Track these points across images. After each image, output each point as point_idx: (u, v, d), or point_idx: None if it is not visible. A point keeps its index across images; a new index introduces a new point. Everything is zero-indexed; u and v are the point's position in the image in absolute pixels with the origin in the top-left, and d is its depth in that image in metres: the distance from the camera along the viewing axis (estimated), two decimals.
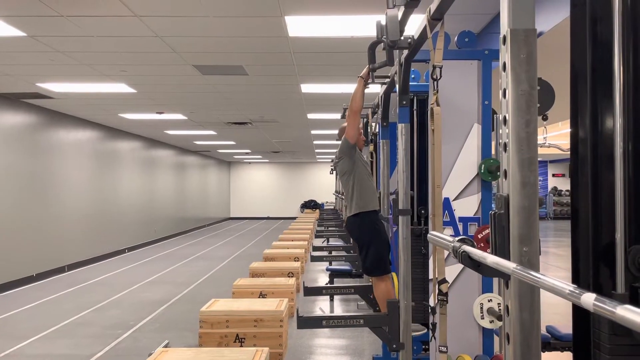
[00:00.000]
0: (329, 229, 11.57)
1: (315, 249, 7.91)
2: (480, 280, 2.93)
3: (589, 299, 0.75)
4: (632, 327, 0.67)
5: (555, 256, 11.25)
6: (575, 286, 0.80)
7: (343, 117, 5.56)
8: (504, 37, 1.19)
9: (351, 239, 7.35)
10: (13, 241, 7.91)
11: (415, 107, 4.14)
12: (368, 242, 3.67)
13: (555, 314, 5.53)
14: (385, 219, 3.80)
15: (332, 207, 20.24)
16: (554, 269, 9.28)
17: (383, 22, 2.40)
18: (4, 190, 7.75)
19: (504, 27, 1.19)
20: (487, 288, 2.93)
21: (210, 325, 4.53)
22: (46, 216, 8.86)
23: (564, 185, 23.12)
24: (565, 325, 3.21)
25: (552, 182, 23.59)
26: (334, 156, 3.84)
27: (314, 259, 7.17)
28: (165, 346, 4.45)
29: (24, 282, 8.05)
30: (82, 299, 7.10)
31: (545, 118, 2.58)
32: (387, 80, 3.61)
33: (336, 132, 4.48)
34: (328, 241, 10.13)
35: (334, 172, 16.30)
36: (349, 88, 6.71)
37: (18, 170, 8.10)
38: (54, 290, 7.65)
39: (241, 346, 4.45)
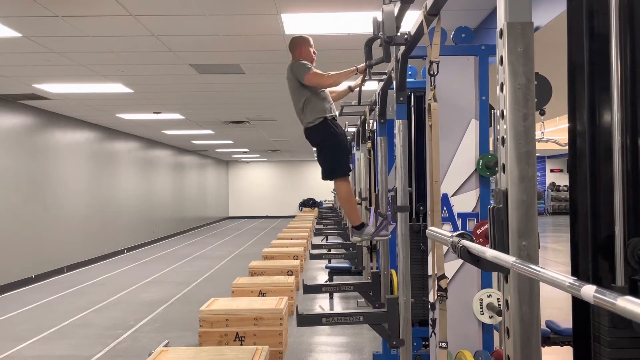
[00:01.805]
0: (328, 227, 11.57)
1: (314, 247, 7.91)
2: (479, 276, 2.93)
3: (589, 290, 0.75)
4: (633, 318, 0.67)
5: (554, 251, 11.27)
6: (575, 278, 0.80)
7: (340, 114, 5.54)
8: (501, 31, 1.19)
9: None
10: (11, 243, 7.90)
11: (412, 104, 4.13)
12: (326, 146, 3.67)
13: (555, 309, 5.54)
14: (384, 215, 3.80)
15: (331, 206, 20.25)
16: (553, 264, 9.30)
17: (379, 19, 2.40)
18: (2, 192, 7.73)
19: (501, 20, 1.19)
20: (486, 283, 2.93)
21: (210, 325, 4.52)
22: (44, 217, 8.84)
23: (562, 180, 23.16)
24: (564, 319, 3.21)
25: (550, 178, 23.62)
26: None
27: (313, 257, 7.18)
28: (165, 346, 4.44)
29: (23, 284, 8.04)
30: (81, 299, 7.09)
31: (542, 113, 2.58)
32: (384, 77, 3.61)
33: None
34: (327, 239, 10.13)
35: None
36: (347, 85, 6.69)
37: (15, 171, 8.08)
38: (53, 292, 7.63)
39: (241, 345, 4.45)
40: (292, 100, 3.87)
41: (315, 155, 4.06)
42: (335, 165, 3.66)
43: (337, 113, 3.82)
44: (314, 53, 3.85)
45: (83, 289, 7.92)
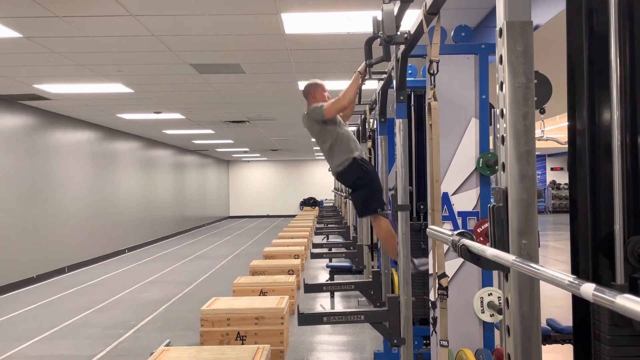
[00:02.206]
0: (329, 226, 11.57)
1: (315, 246, 7.92)
2: (480, 275, 2.93)
3: (588, 289, 0.75)
4: (632, 316, 0.67)
5: (554, 250, 11.27)
6: (575, 277, 0.81)
7: None
8: (500, 30, 1.19)
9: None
10: (13, 243, 7.90)
11: (412, 103, 4.13)
12: (360, 185, 3.72)
13: (556, 307, 5.54)
14: (385, 214, 3.80)
15: (332, 204, 20.25)
16: (554, 262, 9.30)
17: (379, 18, 2.40)
18: (3, 192, 7.74)
19: (500, 19, 1.19)
20: (487, 282, 2.93)
21: (212, 324, 4.53)
22: (45, 218, 8.85)
23: (563, 179, 23.15)
24: (565, 318, 3.21)
25: (550, 176, 23.62)
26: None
27: (314, 256, 7.19)
28: (167, 345, 4.45)
29: (24, 284, 8.05)
30: (82, 299, 7.10)
31: (542, 111, 2.59)
32: (384, 76, 3.61)
33: None
34: (328, 238, 10.14)
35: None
36: (346, 85, 6.70)
37: (17, 172, 8.09)
38: (55, 292, 7.64)
39: (242, 344, 4.45)
40: (319, 146, 3.92)
41: (349, 195, 4.08)
42: (370, 202, 3.69)
43: (363, 151, 3.86)
44: (328, 97, 3.86)
45: (84, 288, 7.93)
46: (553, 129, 10.75)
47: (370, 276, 4.58)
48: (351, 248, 7.22)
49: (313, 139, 3.89)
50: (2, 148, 7.74)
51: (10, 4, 3.93)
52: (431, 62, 2.26)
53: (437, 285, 2.37)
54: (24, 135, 8.33)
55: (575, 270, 1.48)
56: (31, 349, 4.96)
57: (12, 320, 6.12)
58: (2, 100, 7.70)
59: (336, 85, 6.94)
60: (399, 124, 2.93)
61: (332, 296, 6.66)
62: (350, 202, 8.26)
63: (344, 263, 7.15)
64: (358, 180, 3.74)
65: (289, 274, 6.95)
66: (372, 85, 4.36)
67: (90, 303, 6.80)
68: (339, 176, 3.87)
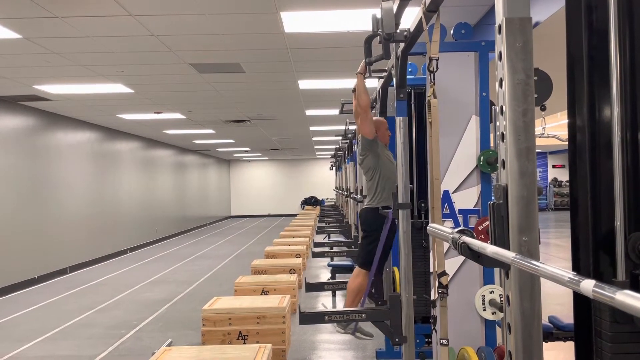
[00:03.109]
0: (330, 225, 11.57)
1: (317, 245, 7.92)
2: (481, 272, 2.93)
3: (588, 285, 0.75)
4: (632, 312, 0.67)
5: (556, 247, 11.26)
6: (575, 273, 0.80)
7: (342, 112, 5.55)
8: (499, 27, 1.19)
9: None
10: (14, 244, 7.91)
11: (413, 101, 4.13)
12: (376, 236, 3.67)
13: (558, 305, 5.54)
14: (386, 213, 3.80)
15: (333, 203, 20.25)
16: (555, 260, 9.29)
17: (379, 16, 2.40)
18: (4, 193, 7.75)
19: (499, 16, 1.18)
20: (488, 280, 2.93)
21: (213, 323, 4.53)
22: (47, 218, 8.86)
23: (564, 176, 23.11)
24: (567, 315, 3.21)
25: (552, 173, 23.59)
26: (334, 152, 3.87)
27: (316, 255, 7.18)
28: (169, 345, 4.45)
29: (26, 285, 8.06)
30: (84, 300, 7.10)
31: (543, 108, 2.58)
32: (384, 74, 3.60)
33: (335, 127, 4.48)
34: (329, 237, 10.14)
35: (334, 168, 16.31)
36: (347, 83, 6.71)
37: (18, 173, 8.09)
38: (56, 292, 7.65)
39: (244, 343, 4.46)
40: (367, 182, 3.88)
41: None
42: (368, 257, 3.67)
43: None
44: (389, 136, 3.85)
45: (86, 289, 7.94)
46: (554, 126, 10.74)
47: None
48: (352, 247, 7.22)
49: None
50: (3, 149, 7.75)
51: (9, 5, 3.93)
52: (431, 59, 2.25)
53: (437, 284, 2.37)
54: (25, 136, 8.34)
55: (576, 267, 1.48)
56: (33, 350, 4.97)
57: (14, 321, 6.13)
58: (2, 101, 7.70)
59: (336, 84, 6.95)
60: (400, 122, 2.93)
61: (334, 295, 6.66)
62: (351, 201, 8.26)
63: (346, 262, 7.15)
64: (378, 231, 3.63)
65: (291, 273, 6.95)
66: (372, 83, 4.36)
67: (92, 303, 6.81)
68: (365, 212, 3.78)
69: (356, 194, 5.45)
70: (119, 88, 6.96)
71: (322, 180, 23.62)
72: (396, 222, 3.61)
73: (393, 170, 3.75)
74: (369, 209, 3.74)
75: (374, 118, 3.81)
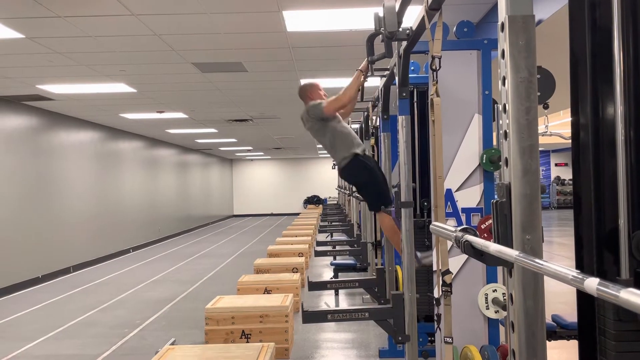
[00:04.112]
0: (333, 224, 11.57)
1: (319, 244, 7.91)
2: (484, 271, 2.93)
3: (592, 283, 0.75)
4: (636, 310, 0.66)
5: (559, 245, 11.24)
6: (579, 271, 0.80)
7: None
8: (502, 24, 1.18)
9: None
10: (18, 243, 7.94)
11: (415, 99, 4.12)
12: (364, 182, 3.78)
13: (561, 303, 5.53)
14: (388, 212, 3.80)
15: (335, 202, 20.25)
16: (558, 258, 9.27)
17: (381, 14, 2.39)
18: (8, 193, 7.77)
19: (502, 14, 1.18)
20: (491, 278, 2.93)
21: (216, 322, 4.54)
22: (50, 218, 8.88)
23: (567, 174, 23.07)
24: (571, 314, 3.20)
25: (555, 172, 23.54)
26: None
27: (318, 254, 7.18)
28: (172, 344, 4.46)
29: (29, 284, 8.08)
30: (88, 299, 7.12)
31: (546, 107, 2.58)
32: (387, 72, 3.60)
33: None
34: (332, 236, 10.14)
35: (336, 167, 16.31)
36: (349, 82, 6.69)
37: (21, 172, 8.11)
38: (60, 291, 7.67)
39: (247, 342, 4.46)
40: (320, 143, 3.97)
41: (355, 191, 4.15)
42: (379, 197, 3.74)
43: (365, 147, 3.88)
44: (325, 95, 3.91)
45: (89, 288, 7.96)
46: (557, 125, 10.70)
47: (375, 273, 4.58)
48: (355, 246, 7.22)
49: (321, 145, 3.95)
50: (6, 149, 7.77)
51: (12, 5, 3.94)
52: (433, 58, 2.25)
53: (440, 282, 2.36)
54: (28, 135, 8.36)
55: (579, 266, 1.48)
56: (37, 349, 4.98)
57: (18, 320, 6.15)
58: (5, 101, 7.72)
59: (339, 82, 6.94)
60: (402, 121, 2.93)
61: (337, 294, 6.66)
62: (354, 200, 8.26)
63: (348, 261, 7.15)
64: (361, 177, 3.75)
65: (293, 272, 6.95)
66: (375, 82, 4.36)
67: (96, 302, 6.82)
68: (342, 172, 3.89)
69: (329, 153, 5.45)
70: (121, 87, 6.97)
71: (325, 179, 23.63)
72: (360, 159, 3.70)
73: (342, 127, 3.83)
74: (343, 167, 3.80)
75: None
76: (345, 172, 3.82)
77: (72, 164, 9.69)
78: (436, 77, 2.28)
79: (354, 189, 4.19)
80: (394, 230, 3.67)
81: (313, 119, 3.81)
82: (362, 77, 3.54)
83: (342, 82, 6.87)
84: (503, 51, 1.19)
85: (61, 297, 7.34)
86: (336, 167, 4.01)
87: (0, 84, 6.64)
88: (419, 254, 3.38)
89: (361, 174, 3.74)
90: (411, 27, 2.45)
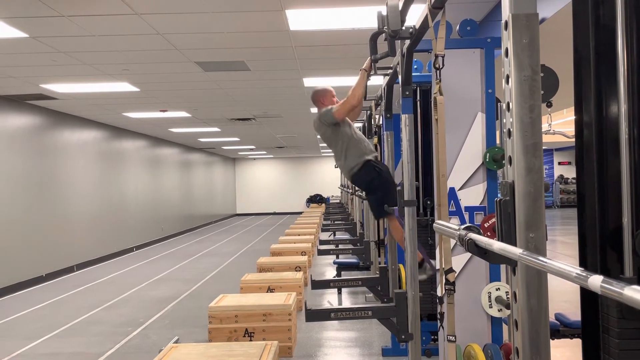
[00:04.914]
0: (336, 222, 11.57)
1: (322, 242, 7.92)
2: (487, 269, 2.93)
3: (596, 281, 0.75)
4: None
5: (562, 244, 11.22)
6: (583, 269, 0.80)
7: None
8: (506, 23, 1.18)
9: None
10: (22, 242, 7.97)
11: (418, 98, 4.13)
12: (375, 186, 3.77)
13: (565, 302, 5.52)
14: (391, 211, 3.80)
15: (338, 201, 20.25)
16: (561, 257, 9.26)
17: (384, 13, 2.39)
18: (12, 191, 7.80)
19: (506, 12, 1.18)
20: (494, 277, 2.93)
21: (220, 321, 4.55)
22: (54, 217, 8.91)
23: (570, 173, 23.02)
24: (574, 312, 3.20)
25: (558, 170, 23.49)
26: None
27: (321, 252, 7.18)
28: (176, 342, 4.47)
29: (33, 283, 8.11)
30: (91, 297, 7.14)
31: (549, 105, 2.57)
32: (390, 71, 3.60)
33: None
34: (335, 235, 10.14)
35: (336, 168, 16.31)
36: (352, 81, 6.67)
37: (25, 171, 8.14)
38: (64, 290, 7.70)
39: (250, 340, 4.47)
40: (332, 151, 3.97)
41: (364, 195, 4.12)
42: (389, 200, 3.71)
43: (377, 152, 3.88)
44: (337, 102, 3.93)
45: (93, 287, 7.99)
46: (560, 123, 10.68)
47: (378, 272, 4.58)
48: (358, 244, 7.22)
49: (324, 144, 3.95)
50: (10, 148, 7.80)
51: (16, 4, 3.95)
52: (437, 56, 2.25)
53: (444, 281, 2.37)
54: (32, 135, 8.38)
55: (583, 264, 1.48)
56: (41, 347, 5.00)
57: (23, 318, 6.18)
58: (9, 100, 7.74)
59: (342, 81, 6.94)
60: (405, 120, 2.93)
61: (340, 292, 6.66)
62: (357, 198, 8.26)
63: (351, 259, 7.15)
64: (372, 182, 3.75)
65: (296, 271, 6.96)
66: (378, 80, 4.35)
67: (99, 301, 6.84)
68: (354, 179, 3.88)
69: (361, 192, 5.45)
70: (124, 87, 6.99)
71: (327, 178, 23.63)
72: (372, 164, 3.71)
73: (353, 133, 3.83)
74: (354, 173, 3.82)
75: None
76: (357, 177, 3.81)
77: (75, 163, 9.72)
78: (439, 75, 2.28)
79: (357, 187, 4.19)
80: (400, 233, 3.68)
81: (325, 125, 3.80)
82: (366, 76, 3.54)
83: (345, 81, 6.89)
84: (507, 49, 1.19)
85: (65, 295, 7.37)
86: (339, 170, 4.00)
87: (4, 83, 6.66)
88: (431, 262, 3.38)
89: (373, 178, 3.75)
90: (414, 26, 2.45)
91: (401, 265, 4.21)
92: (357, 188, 6.24)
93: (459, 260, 2.88)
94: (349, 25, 4.61)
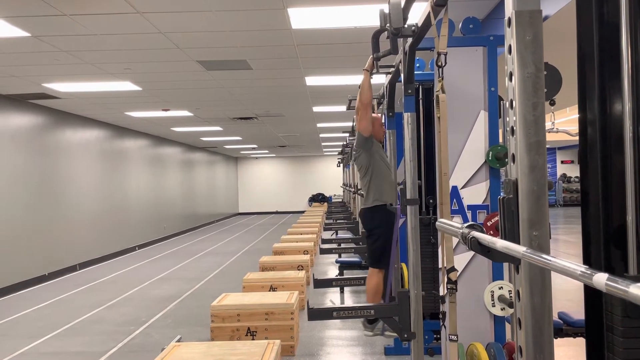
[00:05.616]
0: (338, 221, 11.57)
1: (324, 241, 7.92)
2: (490, 268, 2.92)
3: (601, 279, 0.74)
4: None
5: (565, 243, 11.20)
6: (587, 267, 0.80)
7: (349, 108, 5.54)
8: (509, 20, 1.18)
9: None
10: (24, 241, 7.98)
11: (421, 96, 4.12)
12: (377, 233, 3.70)
13: (567, 301, 5.51)
14: (394, 209, 3.79)
15: (340, 200, 20.25)
16: (565, 256, 9.19)
17: (386, 11, 2.39)
18: (15, 191, 7.81)
19: (509, 9, 1.18)
20: (497, 276, 2.92)
21: (222, 320, 4.55)
22: (56, 216, 8.92)
23: (573, 172, 22.98)
24: (577, 311, 3.19)
25: (561, 169, 23.45)
26: (341, 149, 3.96)
27: (323, 251, 7.18)
28: (178, 341, 4.48)
29: (36, 282, 8.13)
30: (94, 296, 7.15)
31: (552, 103, 2.56)
32: (392, 69, 3.59)
33: (342, 124, 4.51)
34: (337, 234, 10.14)
35: (341, 164, 16.32)
36: (354, 79, 6.69)
37: (27, 171, 8.15)
38: (66, 289, 7.71)
39: (253, 339, 4.47)
40: (361, 181, 3.98)
41: (360, 190, 4.11)
42: (382, 253, 3.74)
43: (396, 191, 3.88)
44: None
45: (96, 286, 8.00)
46: (563, 122, 10.67)
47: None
48: (360, 243, 7.21)
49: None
50: (12, 147, 7.81)
51: (18, 3, 3.95)
52: (439, 54, 2.24)
53: (446, 280, 2.36)
54: (34, 134, 8.39)
55: (587, 262, 1.47)
56: (44, 346, 5.01)
57: (25, 317, 6.19)
58: (12, 99, 7.76)
59: (343, 80, 6.94)
60: (407, 118, 2.92)
61: (342, 291, 6.67)
62: (359, 197, 8.26)
63: (353, 258, 7.15)
64: (379, 227, 3.74)
65: (299, 270, 6.96)
66: (380, 79, 4.35)
67: (102, 300, 6.85)
68: (363, 212, 3.87)
69: (363, 191, 5.46)
70: (127, 86, 6.99)
71: (330, 177, 23.63)
72: (387, 210, 3.70)
73: (385, 170, 3.79)
74: (366, 209, 3.82)
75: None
76: (367, 214, 3.79)
77: (78, 162, 9.73)
78: (442, 73, 2.28)
79: (359, 186, 4.18)
80: (376, 291, 3.73)
81: (360, 149, 3.81)
82: (369, 75, 3.54)
83: (347, 80, 6.88)
84: (510, 47, 1.18)
85: (67, 294, 7.38)
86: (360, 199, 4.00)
87: (7, 82, 6.67)
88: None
89: (381, 224, 3.72)
90: (417, 24, 2.44)
91: (403, 265, 4.20)
92: (359, 187, 6.24)
93: (461, 259, 2.87)
94: (351, 23, 4.60)
